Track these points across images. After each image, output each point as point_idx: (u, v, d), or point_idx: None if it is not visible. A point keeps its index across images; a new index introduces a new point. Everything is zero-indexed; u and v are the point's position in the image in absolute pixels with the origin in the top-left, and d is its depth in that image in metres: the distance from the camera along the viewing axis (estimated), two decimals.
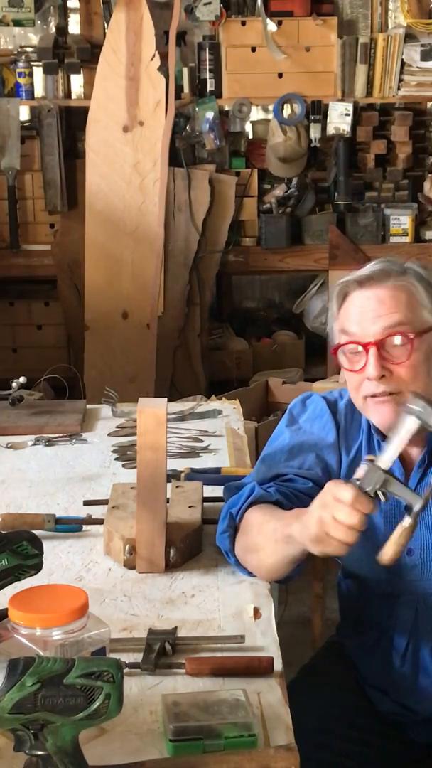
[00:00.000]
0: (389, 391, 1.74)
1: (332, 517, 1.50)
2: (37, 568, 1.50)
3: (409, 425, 1.56)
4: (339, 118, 4.57)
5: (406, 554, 1.80)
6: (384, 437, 1.83)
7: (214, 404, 2.81)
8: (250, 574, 1.78)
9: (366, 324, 1.75)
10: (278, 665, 1.50)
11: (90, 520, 1.97)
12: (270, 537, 1.69)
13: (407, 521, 1.53)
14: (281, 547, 1.67)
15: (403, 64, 4.56)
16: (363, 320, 1.75)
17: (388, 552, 1.54)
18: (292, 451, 1.88)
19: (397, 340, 1.73)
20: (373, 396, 1.76)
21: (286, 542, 1.65)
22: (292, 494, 1.79)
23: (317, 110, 4.59)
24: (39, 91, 4.61)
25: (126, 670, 1.38)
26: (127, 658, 1.49)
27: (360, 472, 1.53)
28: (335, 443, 1.88)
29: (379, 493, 1.52)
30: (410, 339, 1.72)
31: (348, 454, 1.88)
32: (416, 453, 1.81)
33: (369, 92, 4.60)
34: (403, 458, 1.81)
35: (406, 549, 1.79)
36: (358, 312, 1.76)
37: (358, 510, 1.49)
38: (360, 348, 1.75)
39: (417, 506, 1.52)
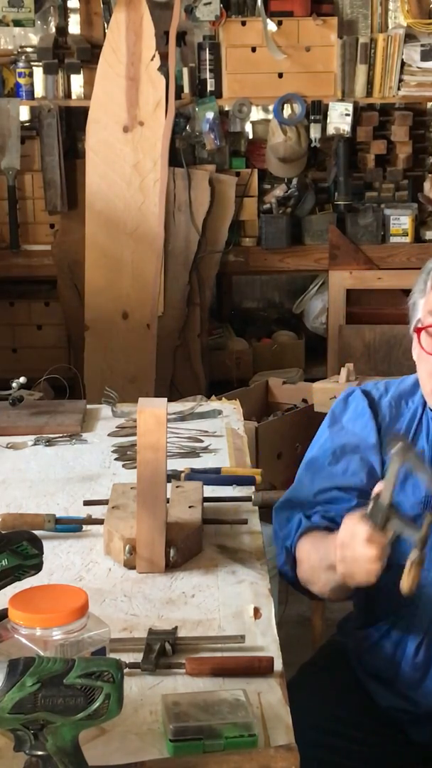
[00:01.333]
0: None
1: (352, 555, 1.57)
2: (37, 568, 1.50)
3: (394, 467, 1.58)
4: (339, 118, 4.57)
5: None
6: None
7: (214, 404, 2.80)
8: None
9: None
10: (278, 665, 1.50)
11: (90, 520, 1.97)
12: (318, 568, 1.75)
13: (414, 554, 1.54)
14: (331, 576, 1.69)
15: (403, 64, 4.56)
16: None
17: (404, 584, 1.56)
18: (335, 455, 1.88)
19: None
20: None
21: (333, 571, 1.67)
22: (339, 516, 1.80)
23: (317, 110, 4.59)
24: (39, 91, 4.61)
25: (126, 670, 1.38)
26: (127, 658, 1.49)
27: (369, 506, 1.57)
28: (376, 444, 1.87)
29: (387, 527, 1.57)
30: None
31: (387, 451, 1.87)
32: None
33: (369, 92, 4.60)
34: None
35: None
36: None
37: (375, 543, 1.54)
38: None
39: (417, 540, 1.54)
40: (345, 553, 1.58)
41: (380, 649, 1.89)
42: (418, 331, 1.78)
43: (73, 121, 4.63)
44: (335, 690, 1.92)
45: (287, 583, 1.86)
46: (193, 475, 2.18)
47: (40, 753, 1.17)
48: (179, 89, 4.50)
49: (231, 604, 1.69)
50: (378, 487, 1.58)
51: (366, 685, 1.92)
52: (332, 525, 1.78)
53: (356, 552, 1.56)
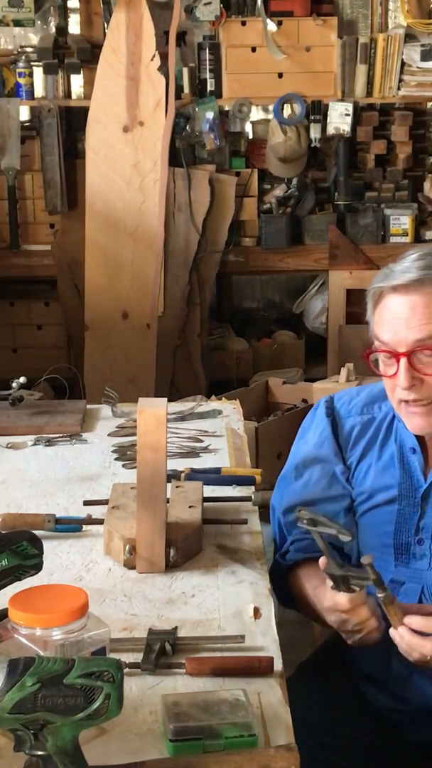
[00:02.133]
0: (420, 399, 1.77)
1: (353, 629, 1.67)
2: (37, 568, 1.50)
3: (317, 539, 1.65)
4: (339, 118, 4.57)
5: (416, 543, 1.82)
6: (417, 438, 1.86)
7: (214, 404, 2.80)
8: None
9: (398, 334, 1.75)
10: (278, 665, 1.50)
11: (90, 520, 1.97)
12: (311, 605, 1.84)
13: (381, 595, 1.62)
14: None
15: (403, 64, 4.56)
16: (396, 329, 1.76)
17: (394, 623, 1.65)
18: (298, 469, 1.95)
19: (428, 350, 1.74)
20: (406, 402, 1.78)
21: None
22: (309, 546, 1.87)
23: (317, 110, 4.59)
24: (39, 91, 4.61)
25: (126, 670, 1.37)
26: (127, 658, 1.49)
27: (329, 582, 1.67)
28: (334, 451, 1.91)
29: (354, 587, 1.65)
30: None
31: (353, 454, 1.90)
32: None
33: (369, 92, 4.60)
34: (423, 449, 1.86)
35: (417, 539, 1.83)
36: (392, 319, 1.77)
37: (357, 606, 1.64)
38: (392, 356, 1.77)
39: (374, 585, 1.61)
40: (345, 629, 1.68)
41: (372, 649, 1.89)
42: (366, 356, 1.81)
43: (73, 121, 4.63)
44: (332, 689, 1.92)
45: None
46: (193, 475, 2.18)
47: (40, 753, 1.17)
48: (179, 89, 4.50)
49: (231, 604, 1.69)
50: (322, 562, 1.64)
51: (359, 686, 1.92)
52: (309, 555, 1.85)
53: (353, 624, 1.66)
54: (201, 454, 2.40)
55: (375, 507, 1.88)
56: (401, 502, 1.85)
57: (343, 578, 1.63)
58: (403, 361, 1.74)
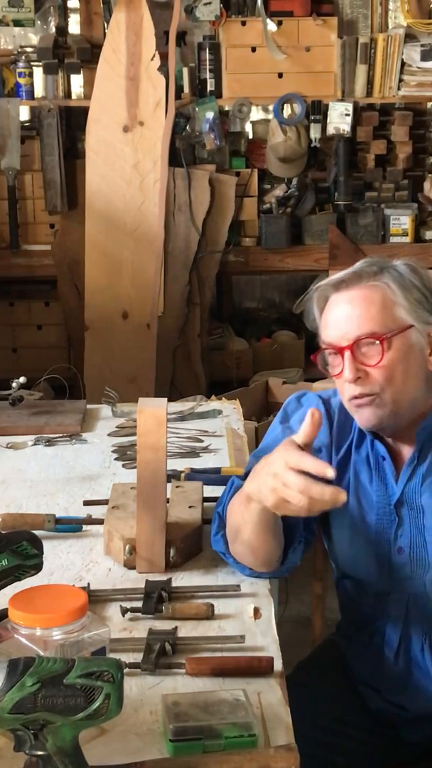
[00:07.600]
0: (367, 393, 1.76)
1: (283, 483, 1.53)
2: (37, 568, 1.50)
3: None
4: (339, 118, 4.57)
5: (396, 552, 1.81)
6: (376, 436, 1.84)
7: (214, 404, 2.81)
8: (251, 572, 1.78)
9: (341, 329, 1.77)
10: (278, 665, 1.50)
11: (90, 520, 1.97)
12: (238, 506, 1.70)
13: None
14: (249, 513, 1.66)
15: (403, 64, 4.56)
16: (337, 325, 1.78)
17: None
18: (258, 456, 1.90)
19: (369, 342, 1.75)
20: (354, 398, 1.78)
21: (248, 505, 1.65)
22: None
23: (317, 110, 4.58)
24: (39, 91, 4.61)
25: (126, 670, 1.38)
26: (127, 658, 1.49)
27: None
28: (327, 443, 1.89)
29: None
30: (382, 340, 1.74)
31: (338, 452, 1.89)
32: (407, 451, 1.83)
33: (369, 92, 4.60)
34: (394, 456, 1.84)
35: (396, 548, 1.81)
36: (334, 317, 1.79)
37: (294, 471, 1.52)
38: (336, 352, 1.78)
39: None
40: (275, 484, 1.54)
41: (364, 657, 1.90)
42: (314, 357, 1.83)
43: (73, 121, 4.63)
44: (330, 688, 1.93)
45: (222, 554, 1.81)
46: (193, 475, 2.18)
47: (40, 753, 1.17)
48: (179, 89, 4.50)
49: (231, 604, 1.69)
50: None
51: (357, 688, 1.92)
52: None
53: (289, 481, 1.53)
54: (201, 454, 2.40)
55: (352, 520, 1.85)
56: (378, 512, 1.83)
57: None
58: (347, 354, 1.75)
